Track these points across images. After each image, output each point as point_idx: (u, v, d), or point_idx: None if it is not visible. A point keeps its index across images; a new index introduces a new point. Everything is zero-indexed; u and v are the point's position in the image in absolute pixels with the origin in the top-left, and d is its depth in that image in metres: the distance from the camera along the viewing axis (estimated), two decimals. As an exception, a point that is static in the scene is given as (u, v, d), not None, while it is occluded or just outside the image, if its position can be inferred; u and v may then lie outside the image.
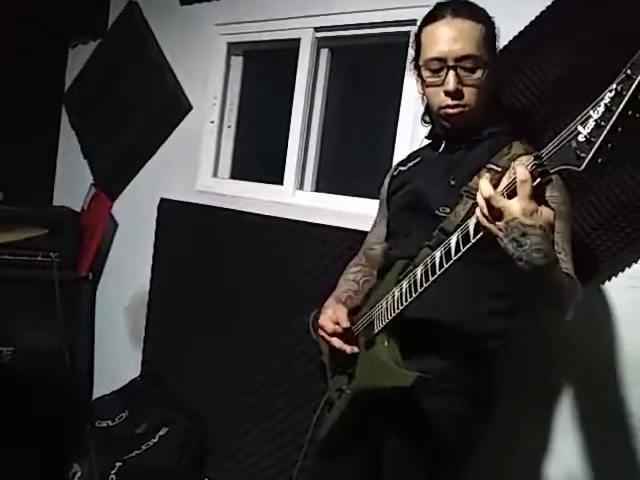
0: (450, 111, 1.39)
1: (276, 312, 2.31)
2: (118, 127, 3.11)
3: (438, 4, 1.42)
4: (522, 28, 1.78)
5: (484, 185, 1.04)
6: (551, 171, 0.97)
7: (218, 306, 2.54)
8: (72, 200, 3.23)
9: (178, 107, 2.81)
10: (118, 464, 2.31)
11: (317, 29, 2.36)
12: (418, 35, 1.43)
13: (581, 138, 0.91)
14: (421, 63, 1.42)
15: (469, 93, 1.37)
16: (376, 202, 1.99)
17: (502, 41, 1.73)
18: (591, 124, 0.90)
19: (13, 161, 3.17)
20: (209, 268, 2.60)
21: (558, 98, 1.68)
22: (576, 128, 0.92)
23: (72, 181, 3.38)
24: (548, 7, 1.74)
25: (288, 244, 2.30)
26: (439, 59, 1.37)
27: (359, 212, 2.11)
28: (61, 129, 3.51)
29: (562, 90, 1.68)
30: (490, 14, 1.42)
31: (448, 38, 1.35)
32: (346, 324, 1.44)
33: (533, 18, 1.77)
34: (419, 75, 1.45)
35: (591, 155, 0.90)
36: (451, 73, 1.35)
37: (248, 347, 2.40)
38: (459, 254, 1.14)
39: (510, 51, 1.76)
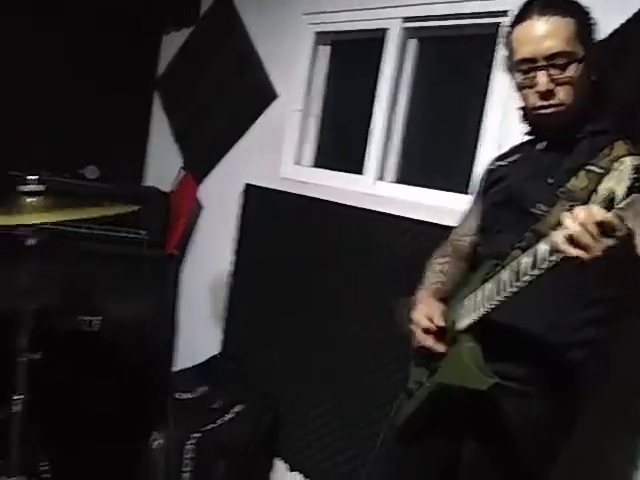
0: (544, 111, 1.36)
1: (353, 300, 2.34)
2: (207, 113, 3.22)
3: (526, 2, 1.38)
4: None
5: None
6: None
7: (297, 291, 2.60)
8: (162, 181, 3.39)
9: (264, 95, 2.88)
10: (195, 435, 2.41)
11: (406, 19, 2.35)
12: (508, 36, 1.40)
13: None
14: (513, 65, 1.39)
15: (562, 91, 1.32)
16: (459, 196, 1.97)
17: (606, 29, 1.67)
18: None
19: (109, 142, 3.35)
20: (289, 253, 2.66)
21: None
22: None
23: (163, 163, 3.53)
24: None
25: (367, 234, 2.31)
26: (529, 60, 1.33)
27: (441, 205, 2.10)
28: (154, 113, 3.66)
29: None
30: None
31: (536, 37, 1.32)
32: (441, 323, 1.44)
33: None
34: (512, 77, 1.42)
35: None
36: (541, 73, 1.32)
37: (326, 332, 2.45)
38: (549, 264, 1.10)
39: (617, 40, 1.66)
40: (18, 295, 1.96)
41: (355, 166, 2.52)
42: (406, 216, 2.19)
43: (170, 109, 3.54)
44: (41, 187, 1.90)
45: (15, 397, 1.94)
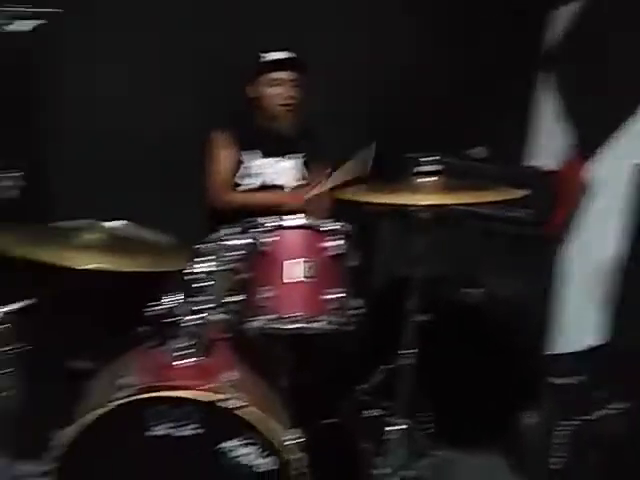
0: None
1: None
2: (601, 88, 3.03)
3: None
4: None
5: None
6: None
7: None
8: (548, 161, 3.34)
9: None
10: (568, 422, 2.36)
11: None
12: None
13: None
14: None
15: None
16: None
17: None
18: None
19: (494, 122, 3.42)
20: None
21: None
22: None
23: (548, 143, 3.47)
24: None
25: None
26: None
27: None
28: (538, 91, 3.59)
29: None
30: None
31: None
32: None
33: None
34: None
35: None
36: None
37: None
38: None
39: None
40: (411, 263, 2.22)
41: None
42: None
43: (557, 87, 3.44)
44: (436, 168, 2.10)
45: (404, 352, 2.22)
